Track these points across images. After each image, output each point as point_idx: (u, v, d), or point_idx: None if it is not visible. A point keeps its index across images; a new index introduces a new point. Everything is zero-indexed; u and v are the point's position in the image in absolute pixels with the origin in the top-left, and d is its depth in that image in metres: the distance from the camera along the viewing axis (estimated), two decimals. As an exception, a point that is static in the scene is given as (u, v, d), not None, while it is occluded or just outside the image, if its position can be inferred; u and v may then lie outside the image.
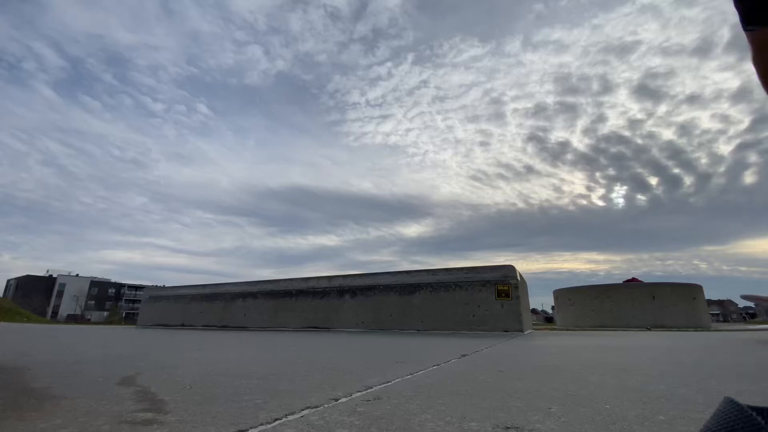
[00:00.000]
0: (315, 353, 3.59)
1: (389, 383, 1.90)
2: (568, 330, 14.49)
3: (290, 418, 1.23)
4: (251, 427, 1.12)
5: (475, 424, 1.17)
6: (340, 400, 1.50)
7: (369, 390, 1.72)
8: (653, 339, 6.41)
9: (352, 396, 1.59)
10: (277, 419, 1.21)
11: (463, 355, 3.42)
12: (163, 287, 18.19)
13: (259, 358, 3.20)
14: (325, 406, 1.40)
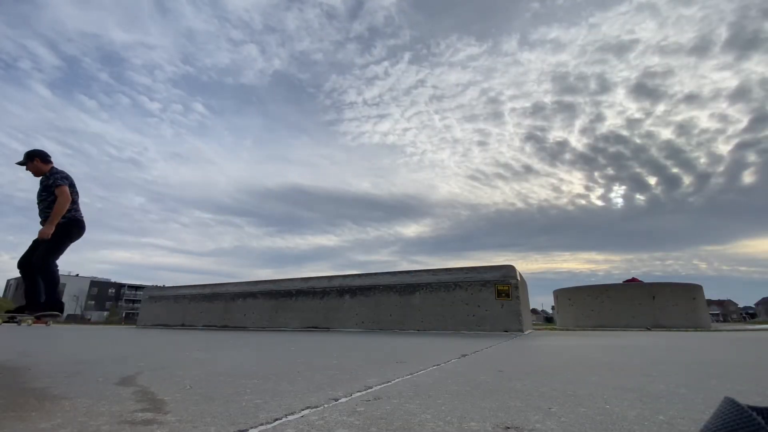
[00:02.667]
0: (315, 353, 3.59)
1: (389, 383, 1.90)
2: (568, 330, 14.50)
3: (290, 418, 1.23)
4: (251, 427, 1.12)
5: (475, 423, 1.17)
6: (340, 400, 1.50)
7: (369, 390, 1.72)
8: (653, 339, 6.41)
9: (352, 396, 1.59)
10: (277, 419, 1.21)
11: (463, 355, 3.42)
12: (163, 287, 18.18)
13: (259, 358, 3.20)
14: (325, 406, 1.40)
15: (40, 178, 3.81)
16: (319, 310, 12.69)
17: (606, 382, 1.94)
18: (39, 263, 3.67)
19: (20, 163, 3.82)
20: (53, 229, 3.64)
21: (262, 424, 1.15)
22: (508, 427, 1.14)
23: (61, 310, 3.80)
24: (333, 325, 11.99)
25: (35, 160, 3.78)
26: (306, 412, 1.31)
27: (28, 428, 1.12)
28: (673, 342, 5.57)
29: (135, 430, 1.10)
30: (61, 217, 3.62)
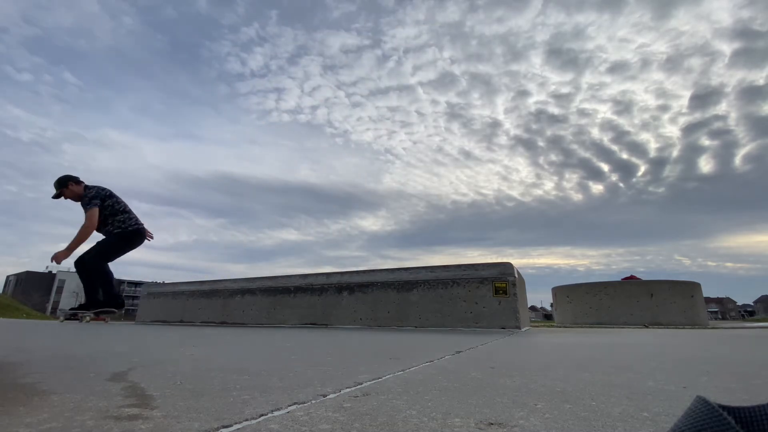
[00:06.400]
0: (310, 350, 3.60)
1: (379, 379, 1.91)
2: (565, 327, 14.55)
3: (276, 413, 1.23)
4: (235, 423, 1.12)
5: (459, 420, 1.18)
6: (328, 396, 1.50)
7: (358, 386, 1.73)
8: (649, 336, 6.44)
9: (341, 392, 1.59)
10: (262, 415, 1.21)
11: (458, 352, 3.43)
12: (162, 284, 18.24)
13: (253, 355, 3.21)
14: (313, 402, 1.41)
15: (80, 202, 3.62)
16: (317, 306, 12.73)
17: (595, 379, 1.95)
18: (90, 266, 3.59)
19: (56, 196, 3.64)
20: (68, 255, 3.57)
21: (246, 420, 1.15)
22: (492, 423, 1.14)
23: (119, 306, 3.74)
24: (331, 321, 12.03)
25: (69, 186, 3.65)
26: (293, 407, 1.32)
27: (13, 423, 1.13)
28: (669, 339, 5.59)
29: (120, 425, 1.10)
30: (81, 243, 3.52)
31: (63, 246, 3.65)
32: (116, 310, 3.71)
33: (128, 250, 3.77)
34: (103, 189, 3.73)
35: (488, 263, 11.13)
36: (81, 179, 3.74)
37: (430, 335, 6.30)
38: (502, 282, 10.51)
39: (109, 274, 3.78)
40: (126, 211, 3.71)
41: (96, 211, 3.53)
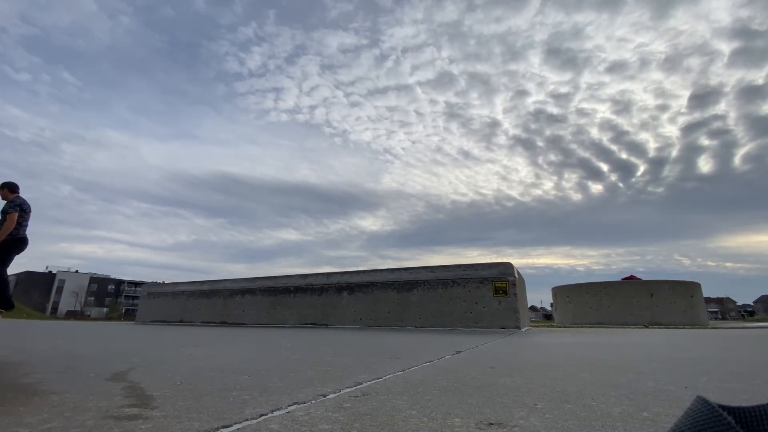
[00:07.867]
0: (310, 350, 3.61)
1: (379, 379, 1.91)
2: (565, 327, 14.55)
3: (276, 413, 1.23)
4: (235, 423, 1.12)
5: (459, 420, 1.18)
6: (328, 396, 1.50)
7: (358, 386, 1.73)
8: (649, 336, 6.44)
9: (341, 392, 1.59)
10: (262, 415, 1.21)
11: (458, 352, 3.43)
12: (162, 284, 18.25)
13: (253, 355, 3.21)
14: (313, 402, 1.41)
15: (4, 203, 4.44)
16: (317, 306, 12.74)
17: (595, 379, 1.95)
18: None
19: None
20: None
21: (247, 420, 1.15)
22: (492, 423, 1.14)
23: (9, 308, 4.37)
24: (331, 321, 12.04)
25: (4, 189, 4.45)
26: (293, 407, 1.32)
27: (13, 423, 1.13)
28: (669, 339, 5.60)
29: (120, 425, 1.10)
30: (5, 236, 4.22)
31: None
32: (5, 311, 4.39)
33: (17, 254, 4.56)
34: (27, 204, 4.73)
35: (488, 263, 11.13)
36: (18, 190, 4.60)
37: (430, 335, 6.30)
38: (502, 282, 10.52)
39: (6, 277, 4.48)
40: (23, 225, 4.48)
41: (16, 215, 4.29)
